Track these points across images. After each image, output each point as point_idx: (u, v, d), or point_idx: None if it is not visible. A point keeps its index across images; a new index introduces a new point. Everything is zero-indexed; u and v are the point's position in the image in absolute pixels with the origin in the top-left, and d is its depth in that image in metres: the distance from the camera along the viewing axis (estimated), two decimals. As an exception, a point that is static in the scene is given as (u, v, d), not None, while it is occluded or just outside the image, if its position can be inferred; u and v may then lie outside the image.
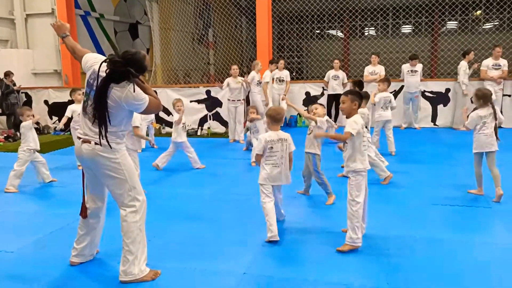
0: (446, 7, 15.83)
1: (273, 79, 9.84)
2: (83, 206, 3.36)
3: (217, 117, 10.51)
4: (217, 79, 13.63)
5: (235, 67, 9.04)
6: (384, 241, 3.80)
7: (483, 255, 3.52)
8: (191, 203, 5.05)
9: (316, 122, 4.81)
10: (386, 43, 15.34)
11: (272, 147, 3.92)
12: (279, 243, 3.79)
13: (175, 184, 5.96)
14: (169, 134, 10.12)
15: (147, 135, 8.21)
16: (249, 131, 7.54)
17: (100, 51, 13.68)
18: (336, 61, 10.39)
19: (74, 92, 6.86)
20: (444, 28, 18.75)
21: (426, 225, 4.17)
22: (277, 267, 3.41)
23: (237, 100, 9.00)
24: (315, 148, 4.84)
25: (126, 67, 2.95)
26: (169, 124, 10.57)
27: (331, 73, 10.31)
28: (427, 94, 10.09)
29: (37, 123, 10.67)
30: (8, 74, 11.02)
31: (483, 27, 17.08)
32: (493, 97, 5.00)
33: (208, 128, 10.43)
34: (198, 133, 10.24)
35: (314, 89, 10.65)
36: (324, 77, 10.56)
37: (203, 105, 10.55)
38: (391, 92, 7.51)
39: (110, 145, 3.04)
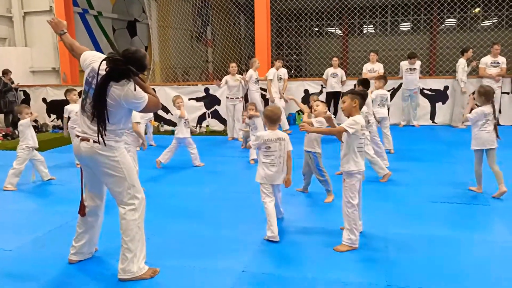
0: (445, 4, 15.85)
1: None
2: (81, 204, 3.35)
3: (216, 115, 10.51)
4: (216, 77, 13.62)
5: (233, 65, 9.04)
6: (383, 239, 3.80)
7: (482, 253, 3.52)
8: (190, 201, 5.05)
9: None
10: (385, 40, 15.33)
11: (269, 147, 3.91)
12: (278, 241, 3.79)
13: (174, 182, 5.96)
14: (167, 132, 10.16)
15: (146, 133, 8.19)
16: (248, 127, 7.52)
17: (98, 48, 13.65)
18: (334, 59, 10.38)
19: (69, 92, 6.84)
20: (443, 25, 18.77)
21: (425, 223, 4.17)
22: (276, 265, 3.41)
23: (236, 98, 9.01)
24: (314, 146, 4.83)
25: (126, 66, 2.94)
26: (168, 122, 10.59)
27: (329, 71, 10.30)
28: (425, 91, 10.08)
29: (35, 121, 10.70)
30: (6, 72, 10.99)
31: (482, 24, 17.08)
32: None
33: (207, 126, 10.43)
34: (197, 131, 10.24)
35: (313, 86, 10.63)
36: (323, 74, 10.55)
37: (202, 103, 10.55)
38: (389, 90, 7.50)
39: (105, 143, 3.03)
